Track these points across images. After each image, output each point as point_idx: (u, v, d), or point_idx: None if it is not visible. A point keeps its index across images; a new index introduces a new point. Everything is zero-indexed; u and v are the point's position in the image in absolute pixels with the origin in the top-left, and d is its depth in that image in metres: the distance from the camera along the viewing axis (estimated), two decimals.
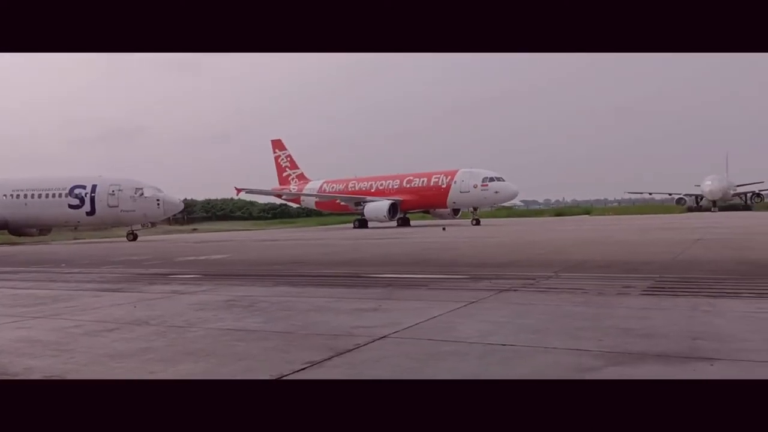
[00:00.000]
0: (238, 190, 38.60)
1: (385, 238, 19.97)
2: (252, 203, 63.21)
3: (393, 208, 34.08)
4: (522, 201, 56.24)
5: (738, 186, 56.47)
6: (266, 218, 57.27)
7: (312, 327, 4.45)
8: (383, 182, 37.16)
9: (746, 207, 53.36)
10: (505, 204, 40.68)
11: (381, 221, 34.41)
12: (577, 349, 3.49)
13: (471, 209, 33.97)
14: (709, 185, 53.90)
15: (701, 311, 4.58)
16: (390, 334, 4.06)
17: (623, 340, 3.69)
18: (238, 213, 60.58)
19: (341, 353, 3.56)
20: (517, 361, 3.31)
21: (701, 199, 55.71)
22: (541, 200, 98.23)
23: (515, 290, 6.08)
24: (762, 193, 55.54)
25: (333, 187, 39.98)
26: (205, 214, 58.85)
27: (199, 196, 65.34)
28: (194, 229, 40.51)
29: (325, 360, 3.41)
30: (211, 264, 11.45)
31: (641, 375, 2.96)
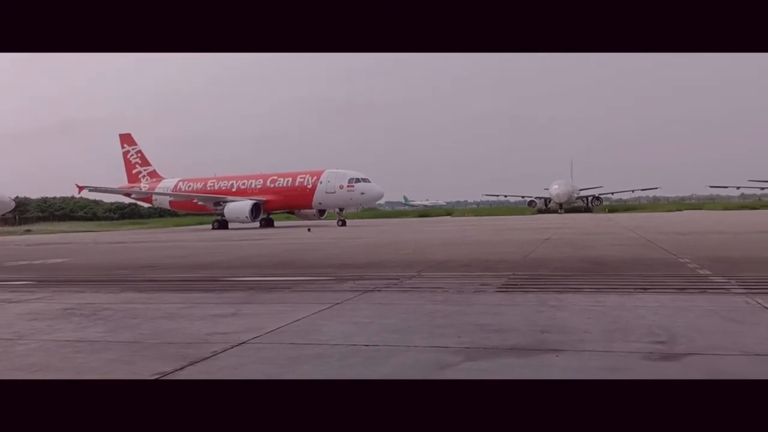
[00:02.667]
0: (80, 188, 35.14)
1: (246, 240, 19.35)
2: (97, 203, 58.33)
3: (256, 209, 33.10)
4: (387, 202, 57.59)
5: (581, 190, 62.36)
6: (113, 219, 53.08)
7: (163, 335, 4.12)
8: (246, 182, 35.96)
9: (587, 209, 59.01)
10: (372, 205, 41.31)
11: (243, 222, 33.27)
12: (437, 347, 3.57)
13: (337, 210, 33.99)
14: (556, 189, 58.70)
15: (549, 306, 4.92)
16: (250, 339, 3.87)
17: (480, 335, 3.85)
18: (81, 213, 55.47)
19: (195, 362, 3.32)
20: (379, 360, 3.31)
21: (549, 202, 60.51)
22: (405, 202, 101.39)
23: (379, 290, 6.12)
24: (600, 196, 62.00)
25: (190, 186, 37.84)
26: (41, 214, 53.11)
27: (34, 195, 58.96)
28: (27, 231, 36.32)
29: (177, 370, 3.16)
30: (47, 269, 10.33)
31: (496, 368, 3.09)
